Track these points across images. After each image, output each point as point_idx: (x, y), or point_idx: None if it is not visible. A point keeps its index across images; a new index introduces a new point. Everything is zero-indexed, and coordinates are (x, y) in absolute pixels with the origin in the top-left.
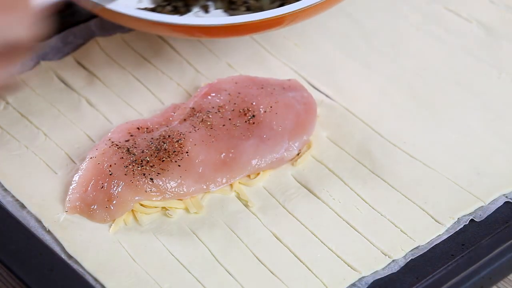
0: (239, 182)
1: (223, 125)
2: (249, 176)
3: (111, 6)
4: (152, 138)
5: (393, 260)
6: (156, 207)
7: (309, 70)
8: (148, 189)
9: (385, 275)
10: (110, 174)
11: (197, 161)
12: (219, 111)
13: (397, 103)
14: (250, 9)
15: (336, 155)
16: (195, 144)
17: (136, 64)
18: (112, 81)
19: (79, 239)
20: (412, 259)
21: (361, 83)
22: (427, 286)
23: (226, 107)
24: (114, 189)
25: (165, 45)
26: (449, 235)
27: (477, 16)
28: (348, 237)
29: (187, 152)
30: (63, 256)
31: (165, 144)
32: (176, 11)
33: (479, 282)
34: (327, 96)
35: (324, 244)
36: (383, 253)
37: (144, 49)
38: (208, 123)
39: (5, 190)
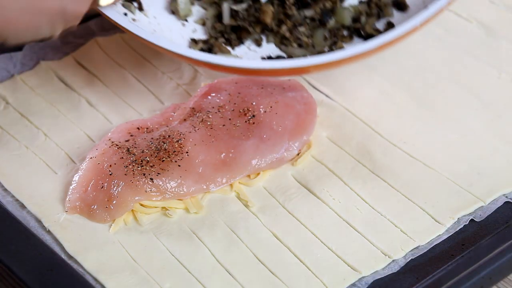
0: (239, 182)
1: (223, 125)
2: (249, 176)
3: (164, 44)
4: (152, 138)
5: (393, 260)
6: (156, 207)
7: None
8: (148, 189)
9: (385, 275)
10: (110, 174)
11: (197, 161)
12: (219, 111)
13: (397, 103)
14: (301, 46)
15: (336, 155)
16: (195, 144)
17: (136, 64)
18: (112, 81)
19: (79, 239)
20: (412, 259)
21: (361, 83)
22: (427, 286)
23: (226, 107)
24: (114, 189)
25: None
26: (449, 235)
27: (477, 16)
28: (348, 237)
29: (187, 152)
30: (63, 256)
31: (165, 144)
32: (229, 43)
33: (479, 282)
34: (327, 96)
35: (324, 244)
36: (383, 253)
37: (144, 49)
38: (208, 123)
39: (5, 190)
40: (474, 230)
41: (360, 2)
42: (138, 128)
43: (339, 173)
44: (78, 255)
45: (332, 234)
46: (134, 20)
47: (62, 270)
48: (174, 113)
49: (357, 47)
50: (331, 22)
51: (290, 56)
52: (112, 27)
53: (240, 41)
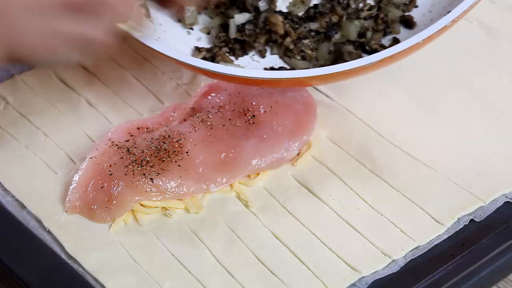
0: (239, 182)
1: (223, 125)
2: (249, 176)
3: (167, 52)
4: (152, 138)
5: (393, 260)
6: (156, 207)
7: None
8: (148, 189)
9: (385, 275)
10: (110, 174)
11: (197, 161)
12: (219, 111)
13: (397, 103)
14: (305, 59)
15: (336, 155)
16: (195, 144)
17: (136, 64)
18: (112, 81)
19: (79, 239)
20: (412, 259)
21: (361, 83)
22: (427, 286)
23: (226, 107)
24: (114, 189)
25: None
26: (449, 235)
27: (477, 16)
28: (348, 237)
29: (187, 152)
30: (63, 256)
31: (165, 144)
32: (232, 53)
33: (479, 282)
34: (327, 96)
35: (324, 244)
36: (383, 253)
37: (144, 49)
38: (208, 123)
39: (5, 190)
40: (474, 230)
41: (366, 18)
42: (138, 128)
43: (339, 173)
44: (78, 255)
45: (332, 234)
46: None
47: (62, 270)
48: (174, 113)
49: (357, 61)
50: (337, 36)
51: (293, 68)
52: None
53: (244, 52)
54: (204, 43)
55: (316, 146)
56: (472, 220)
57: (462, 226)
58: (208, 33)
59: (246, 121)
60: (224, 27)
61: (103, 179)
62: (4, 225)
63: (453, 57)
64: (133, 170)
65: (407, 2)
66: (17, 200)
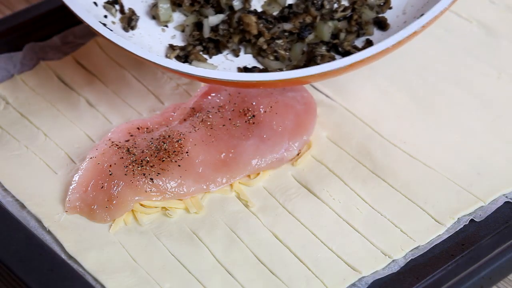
0: (239, 182)
1: (223, 125)
2: (249, 176)
3: (144, 54)
4: (152, 138)
5: (393, 260)
6: (156, 207)
7: None
8: (148, 189)
9: (385, 275)
10: (110, 174)
11: (197, 161)
12: (219, 111)
13: (397, 103)
14: (278, 59)
15: (336, 155)
16: (195, 144)
17: (136, 64)
18: (112, 81)
19: (79, 239)
20: (412, 259)
21: (361, 83)
22: (427, 286)
23: (226, 107)
24: (114, 189)
25: None
26: (449, 235)
27: (477, 16)
28: (348, 237)
29: (187, 152)
30: (63, 256)
31: (165, 144)
32: (206, 51)
33: (479, 282)
34: (327, 96)
35: (324, 244)
36: (383, 253)
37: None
38: (208, 123)
39: (5, 190)
40: (474, 230)
41: (340, 19)
42: (138, 128)
43: (339, 173)
44: (78, 255)
45: (332, 234)
46: (113, 23)
47: (62, 270)
48: (174, 113)
49: (330, 63)
50: (310, 37)
51: (266, 68)
52: None
53: (218, 51)
54: (179, 41)
55: (316, 146)
56: (472, 220)
57: (462, 226)
58: (183, 31)
59: (246, 121)
60: (199, 25)
61: (103, 179)
62: (4, 225)
63: (453, 57)
64: (133, 170)
65: (382, 4)
66: (17, 200)
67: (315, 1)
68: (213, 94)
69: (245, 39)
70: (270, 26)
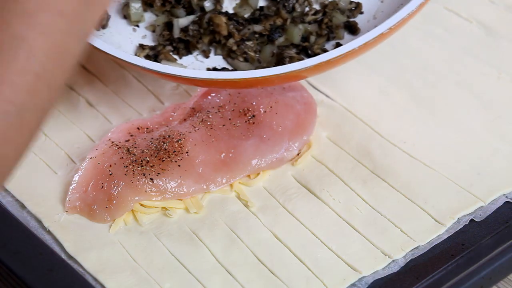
0: (239, 182)
1: (223, 125)
2: (249, 176)
3: (105, 48)
4: (152, 138)
5: (393, 260)
6: (156, 207)
7: None
8: (148, 189)
9: (385, 275)
10: (110, 174)
11: (197, 161)
12: (219, 111)
13: (397, 103)
14: (247, 61)
15: (336, 155)
16: (195, 144)
17: None
18: (112, 81)
19: (79, 239)
20: (412, 259)
21: (361, 83)
22: (427, 286)
23: (226, 107)
24: (114, 189)
25: None
26: (449, 235)
27: (477, 16)
28: (348, 237)
29: (187, 152)
30: (63, 256)
31: (165, 144)
32: (176, 52)
33: (479, 282)
34: (327, 96)
35: (324, 244)
36: (383, 253)
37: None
38: (208, 123)
39: (5, 190)
40: (474, 230)
41: (311, 23)
42: (138, 128)
43: (339, 173)
44: (78, 255)
45: (332, 234)
46: None
47: (62, 270)
48: (174, 113)
49: (295, 64)
50: (280, 40)
51: (235, 69)
52: None
53: (188, 51)
54: (149, 40)
55: (316, 146)
56: (472, 220)
57: (462, 226)
58: (154, 31)
59: (246, 121)
60: (169, 25)
61: (103, 179)
62: (4, 225)
63: (453, 57)
64: (133, 170)
65: (353, 8)
66: (17, 200)
67: (286, 4)
68: (213, 94)
69: (215, 40)
70: (241, 27)
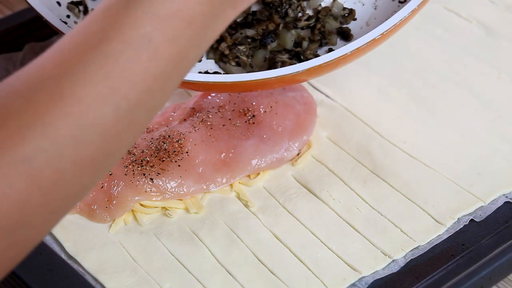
0: (239, 182)
1: (223, 125)
2: (249, 176)
3: None
4: (152, 138)
5: (393, 260)
6: (156, 207)
7: None
8: (148, 189)
9: (385, 275)
10: (110, 174)
11: (197, 161)
12: (219, 111)
13: (397, 103)
14: (239, 65)
15: (336, 155)
16: (195, 144)
17: None
18: None
19: (79, 239)
20: (412, 259)
21: (361, 83)
22: (427, 286)
23: (226, 107)
24: (114, 189)
25: None
26: (449, 235)
27: (477, 16)
28: (348, 237)
29: (187, 152)
30: (63, 256)
31: (165, 144)
32: None
33: (479, 282)
34: (327, 96)
35: (324, 244)
36: (383, 253)
37: None
38: (208, 123)
39: None
40: (474, 230)
41: (304, 28)
42: None
43: (339, 173)
44: (78, 255)
45: (332, 234)
46: (76, 23)
47: (62, 270)
48: (174, 113)
49: (287, 68)
50: (273, 44)
51: (227, 73)
52: None
53: None
54: None
55: (316, 146)
56: (472, 220)
57: (462, 226)
58: None
59: (246, 121)
60: None
61: (103, 179)
62: None
63: (453, 57)
64: (133, 170)
65: (346, 15)
66: None
67: (279, 9)
68: (213, 94)
69: None
70: (233, 31)
